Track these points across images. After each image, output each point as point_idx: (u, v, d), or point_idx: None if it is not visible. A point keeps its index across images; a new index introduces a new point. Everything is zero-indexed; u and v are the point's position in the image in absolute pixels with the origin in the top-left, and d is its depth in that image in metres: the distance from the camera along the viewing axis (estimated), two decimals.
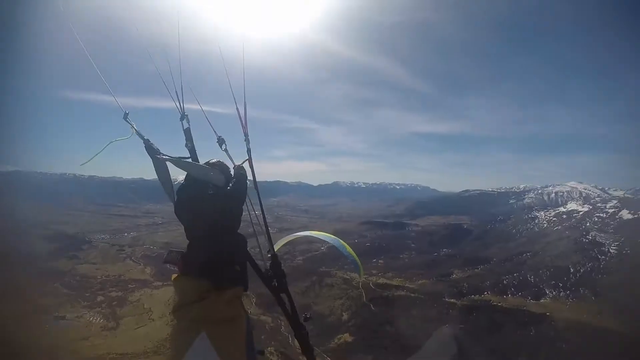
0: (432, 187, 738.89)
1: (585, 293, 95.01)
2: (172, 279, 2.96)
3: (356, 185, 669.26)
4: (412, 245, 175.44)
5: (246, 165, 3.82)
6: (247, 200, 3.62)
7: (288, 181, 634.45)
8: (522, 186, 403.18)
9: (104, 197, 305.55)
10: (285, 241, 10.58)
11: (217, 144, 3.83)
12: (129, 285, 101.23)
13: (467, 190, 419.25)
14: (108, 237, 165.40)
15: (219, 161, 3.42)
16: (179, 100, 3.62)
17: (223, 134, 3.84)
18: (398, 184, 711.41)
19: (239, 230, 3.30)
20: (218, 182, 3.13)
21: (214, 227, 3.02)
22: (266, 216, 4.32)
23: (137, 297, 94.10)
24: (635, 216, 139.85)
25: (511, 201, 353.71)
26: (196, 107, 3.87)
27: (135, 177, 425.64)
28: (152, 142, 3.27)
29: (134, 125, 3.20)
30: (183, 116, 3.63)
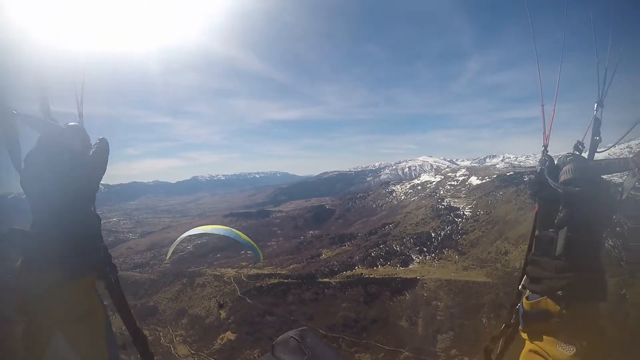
0: (291, 172, 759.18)
1: (449, 253, 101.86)
2: (16, 266, 2.39)
3: (215, 178, 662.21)
4: (278, 231, 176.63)
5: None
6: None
7: (145, 181, 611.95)
8: (377, 164, 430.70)
9: None
10: (177, 243, 11.04)
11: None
12: None
13: (325, 172, 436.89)
14: None
15: (77, 124, 2.58)
16: None
17: None
18: (257, 173, 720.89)
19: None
20: (74, 146, 2.47)
21: (67, 202, 2.42)
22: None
23: None
24: (483, 181, 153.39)
25: (368, 178, 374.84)
26: None
27: None
28: None
29: None
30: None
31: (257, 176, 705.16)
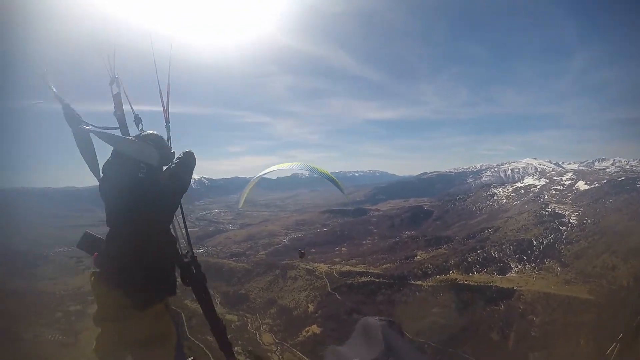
0: (390, 172, 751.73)
1: (551, 264, 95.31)
2: (90, 276, 2.64)
3: (315, 175, 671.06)
4: (374, 230, 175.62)
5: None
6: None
7: (246, 177, 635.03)
8: (478, 165, 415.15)
9: (60, 209, 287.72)
10: (251, 185, 10.79)
11: (134, 122, 3.08)
12: (89, 297, 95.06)
13: (425, 173, 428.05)
14: (66, 249, 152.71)
15: (154, 133, 2.74)
16: (110, 61, 3.10)
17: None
18: (357, 172, 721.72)
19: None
20: (151, 160, 2.55)
21: (139, 222, 2.54)
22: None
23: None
24: (592, 186, 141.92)
25: (469, 180, 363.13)
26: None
27: (92, 185, 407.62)
28: (73, 108, 2.73)
29: (53, 87, 2.75)
30: (113, 79, 3.10)
31: (357, 175, 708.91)
